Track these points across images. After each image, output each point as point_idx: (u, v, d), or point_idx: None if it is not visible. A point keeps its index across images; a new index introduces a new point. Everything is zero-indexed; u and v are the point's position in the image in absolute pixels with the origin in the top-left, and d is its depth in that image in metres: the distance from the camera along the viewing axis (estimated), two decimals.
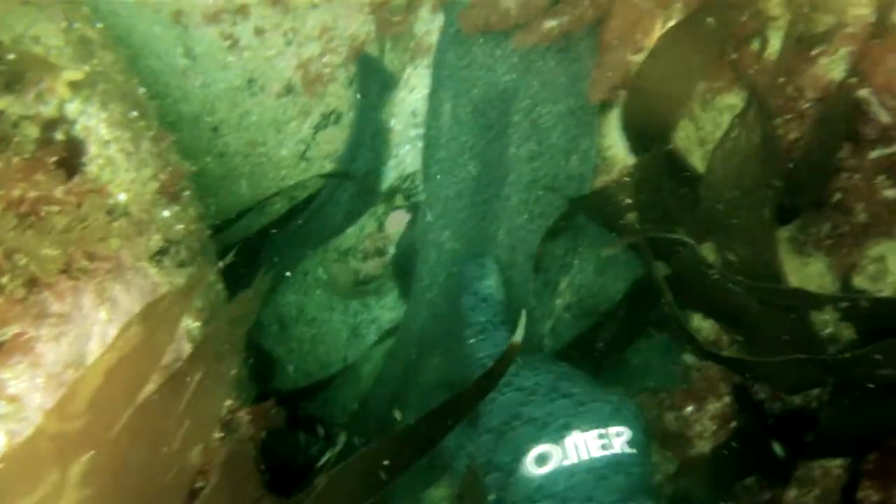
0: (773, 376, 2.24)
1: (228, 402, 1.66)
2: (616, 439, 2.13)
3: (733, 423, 2.63)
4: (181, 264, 1.74)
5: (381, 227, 3.30)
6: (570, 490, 2.05)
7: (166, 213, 1.77)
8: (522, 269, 2.80)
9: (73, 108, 1.63)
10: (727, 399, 2.65)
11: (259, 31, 2.76)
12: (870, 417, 2.22)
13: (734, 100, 2.37)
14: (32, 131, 1.51)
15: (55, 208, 1.43)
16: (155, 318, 1.48)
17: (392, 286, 3.37)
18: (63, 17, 1.85)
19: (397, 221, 3.28)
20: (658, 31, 2.40)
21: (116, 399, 1.41)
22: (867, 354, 2.01)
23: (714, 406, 2.67)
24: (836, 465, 2.36)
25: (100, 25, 2.06)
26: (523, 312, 1.96)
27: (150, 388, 1.47)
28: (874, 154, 2.14)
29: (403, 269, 3.21)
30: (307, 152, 3.11)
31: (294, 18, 2.80)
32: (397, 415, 2.92)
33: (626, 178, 2.44)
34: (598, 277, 2.84)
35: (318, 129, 3.07)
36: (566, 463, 2.09)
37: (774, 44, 2.23)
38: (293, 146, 3.07)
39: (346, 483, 1.62)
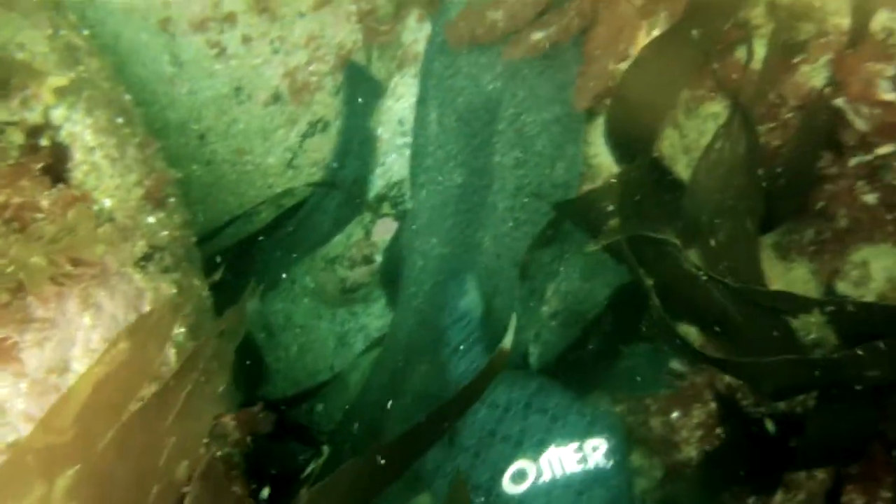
0: (762, 377, 2.25)
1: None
2: (593, 453, 2.14)
3: (718, 430, 2.64)
4: (166, 270, 1.74)
5: (368, 235, 3.31)
6: None
7: (151, 220, 1.77)
8: (508, 277, 2.80)
9: (58, 114, 1.64)
10: (713, 405, 2.66)
11: (246, 40, 2.76)
12: (855, 423, 2.23)
13: (718, 108, 2.38)
14: (17, 137, 1.51)
15: (40, 216, 1.43)
16: (144, 332, 1.48)
17: (379, 294, 3.37)
18: (49, 24, 1.85)
19: (384, 229, 3.28)
20: (642, 39, 2.41)
21: (104, 413, 1.41)
22: (855, 355, 2.03)
23: (700, 412, 2.68)
24: (820, 469, 2.38)
25: (86, 32, 2.07)
26: (513, 317, 1.97)
27: (137, 402, 1.46)
28: (854, 161, 2.17)
29: (391, 277, 3.21)
30: (294, 160, 3.11)
31: (281, 27, 2.81)
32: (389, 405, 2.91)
33: (613, 181, 2.44)
34: (585, 284, 2.84)
35: (305, 137, 3.08)
36: (544, 479, 2.10)
37: (758, 52, 2.25)
38: (280, 154, 3.07)
39: (328, 499, 1.62)
